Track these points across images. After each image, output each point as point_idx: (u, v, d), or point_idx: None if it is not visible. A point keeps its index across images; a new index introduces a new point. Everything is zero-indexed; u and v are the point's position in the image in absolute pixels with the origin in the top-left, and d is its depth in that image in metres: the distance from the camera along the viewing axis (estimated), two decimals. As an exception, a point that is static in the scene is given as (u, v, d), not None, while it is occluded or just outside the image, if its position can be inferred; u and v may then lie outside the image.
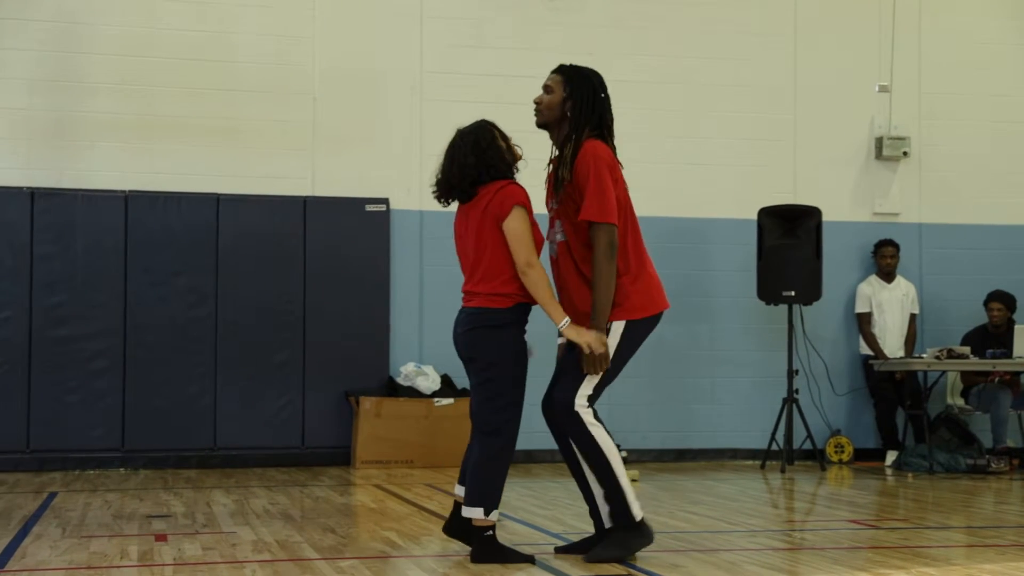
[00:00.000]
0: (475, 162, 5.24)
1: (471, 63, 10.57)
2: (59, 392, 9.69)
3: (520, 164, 5.39)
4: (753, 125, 11.02)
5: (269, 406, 10.03)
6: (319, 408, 10.10)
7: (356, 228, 10.25)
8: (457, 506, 5.34)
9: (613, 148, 5.39)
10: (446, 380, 10.14)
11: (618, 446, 10.71)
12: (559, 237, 5.36)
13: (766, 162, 11.04)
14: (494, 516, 5.21)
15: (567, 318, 5.18)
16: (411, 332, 10.39)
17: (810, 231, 10.32)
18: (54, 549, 5.63)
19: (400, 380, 10.06)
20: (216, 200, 10.06)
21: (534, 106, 5.46)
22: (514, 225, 5.14)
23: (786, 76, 11.12)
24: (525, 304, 5.23)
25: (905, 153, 11.14)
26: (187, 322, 9.92)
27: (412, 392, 9.96)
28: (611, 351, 5.22)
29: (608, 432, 5.30)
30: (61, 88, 10.01)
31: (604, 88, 5.45)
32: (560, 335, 5.31)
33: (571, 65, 5.50)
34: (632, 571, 5.06)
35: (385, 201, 10.35)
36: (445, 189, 5.34)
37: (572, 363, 5.27)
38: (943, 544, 6.04)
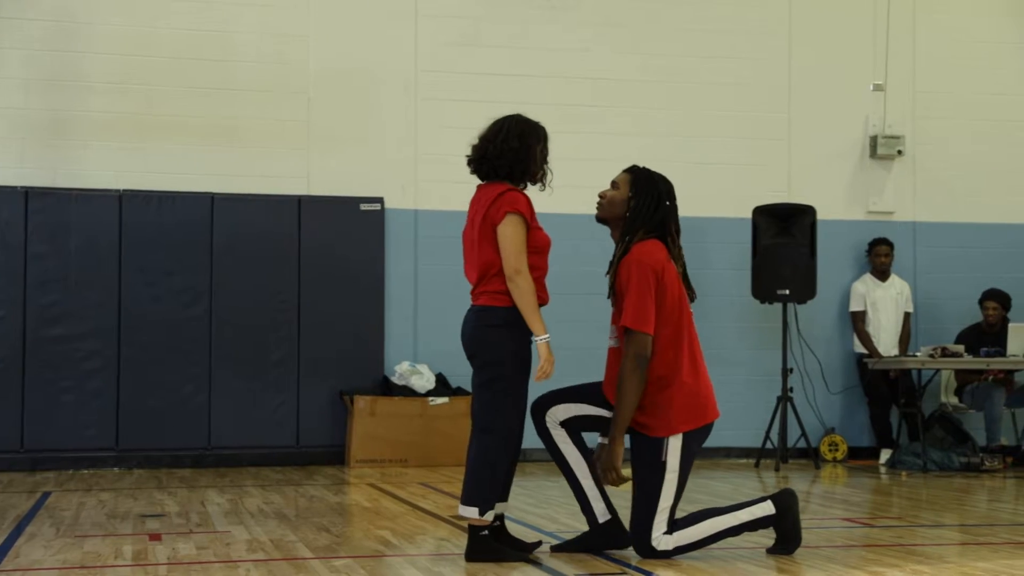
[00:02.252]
0: (517, 147, 5.22)
1: (466, 62, 10.57)
2: (53, 391, 9.68)
3: (539, 188, 5.37)
4: (748, 123, 11.02)
5: (264, 405, 10.02)
6: (313, 407, 10.09)
7: (351, 227, 10.25)
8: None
9: (676, 252, 5.34)
10: (441, 379, 10.14)
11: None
12: (612, 343, 5.35)
13: (761, 160, 11.05)
14: (489, 516, 5.20)
15: (547, 335, 5.15)
16: (406, 331, 10.38)
17: (804, 229, 10.32)
18: (48, 549, 5.62)
19: (395, 379, 10.05)
20: (211, 199, 10.05)
21: (597, 199, 5.41)
22: (506, 231, 5.13)
23: (781, 74, 11.13)
24: None
25: (899, 152, 11.16)
26: (181, 321, 9.91)
27: (407, 391, 9.95)
28: (675, 467, 5.22)
29: (688, 522, 5.26)
30: (56, 87, 9.99)
31: (672, 196, 5.39)
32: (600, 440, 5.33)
33: (643, 168, 5.44)
34: (627, 570, 5.06)
35: (380, 200, 10.34)
36: (478, 157, 5.32)
37: (636, 497, 5.25)
38: (937, 542, 6.05)
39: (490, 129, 5.34)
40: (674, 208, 5.39)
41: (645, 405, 5.21)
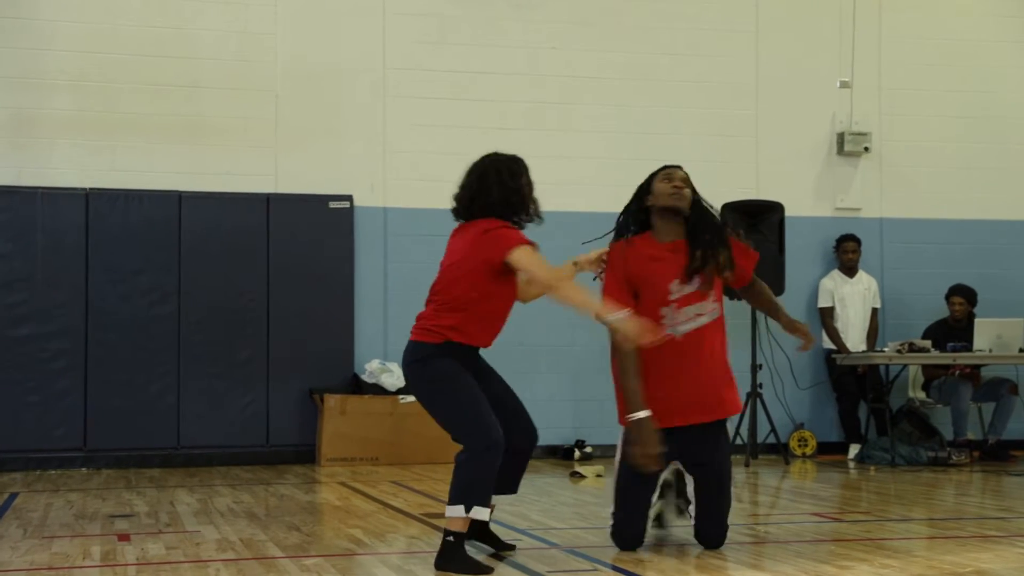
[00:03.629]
0: (516, 187, 5.19)
1: (434, 59, 10.55)
2: (20, 392, 9.60)
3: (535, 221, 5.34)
4: (715, 121, 11.06)
5: (233, 404, 9.98)
6: (283, 406, 10.06)
7: (320, 225, 10.22)
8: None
9: None
10: (411, 377, 10.11)
11: (582, 442, 10.72)
12: (705, 319, 5.34)
13: (729, 157, 11.08)
14: (481, 515, 4.97)
15: (623, 310, 5.03)
16: (375, 329, 10.36)
17: (772, 226, 10.37)
18: (15, 550, 5.57)
19: (365, 377, 10.03)
20: (178, 198, 9.99)
21: (677, 187, 5.41)
22: (524, 259, 4.98)
23: (748, 72, 11.17)
24: (456, 344, 5.12)
25: (866, 148, 11.22)
26: (149, 320, 9.85)
27: (377, 389, 9.94)
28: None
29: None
30: (21, 85, 9.92)
31: None
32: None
33: None
34: (599, 567, 5.07)
35: (349, 198, 10.31)
36: (464, 208, 5.23)
37: (722, 488, 5.31)
38: (905, 536, 6.09)
39: (472, 174, 5.23)
40: None
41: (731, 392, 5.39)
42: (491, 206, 5.16)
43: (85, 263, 9.80)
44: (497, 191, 5.16)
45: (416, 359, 5.18)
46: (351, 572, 5.06)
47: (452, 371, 5.09)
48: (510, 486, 5.32)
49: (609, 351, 5.37)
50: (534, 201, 5.27)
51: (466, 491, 4.91)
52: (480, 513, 4.94)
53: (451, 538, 4.93)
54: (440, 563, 4.94)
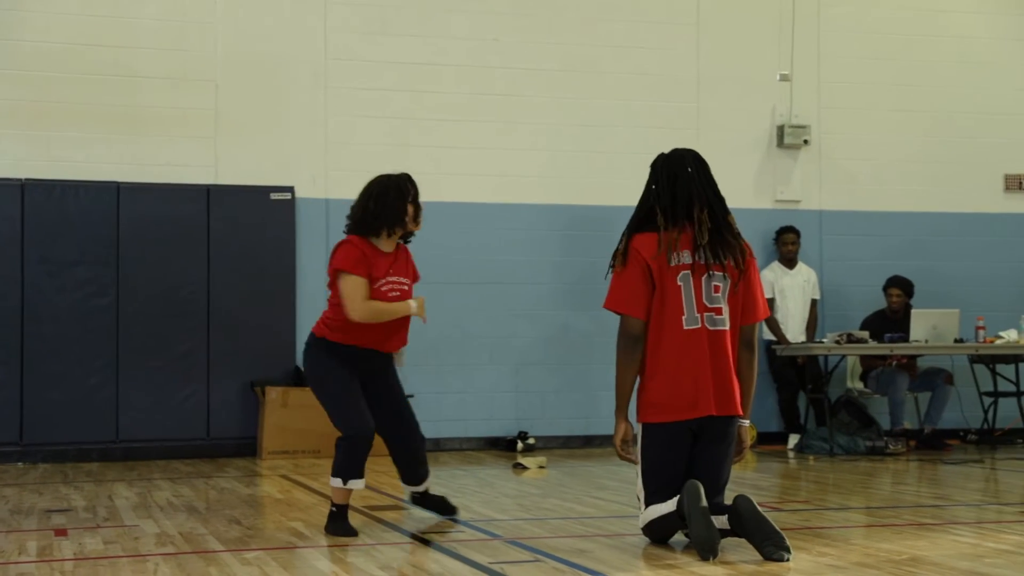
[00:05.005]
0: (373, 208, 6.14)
1: (376, 50, 10.51)
2: (-46, 385, 9.46)
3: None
4: (656, 113, 11.11)
5: (173, 397, 9.89)
6: (224, 399, 9.99)
7: (261, 217, 10.15)
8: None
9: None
10: (353, 369, 10.08)
11: (525, 433, 10.73)
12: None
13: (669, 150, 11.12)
14: (356, 486, 5.70)
15: (410, 304, 5.83)
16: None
17: (713, 218, 10.43)
18: (-51, 546, 5.49)
19: (306, 370, 9.98)
20: (116, 188, 9.88)
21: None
22: (342, 285, 5.92)
23: (689, 65, 11.23)
24: (332, 342, 5.82)
25: (806, 141, 11.33)
26: (87, 312, 9.74)
27: (318, 382, 9.88)
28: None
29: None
30: (-47, 73, 9.76)
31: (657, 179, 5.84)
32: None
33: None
34: (541, 558, 5.08)
35: (290, 190, 10.25)
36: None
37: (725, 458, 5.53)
38: (843, 524, 6.16)
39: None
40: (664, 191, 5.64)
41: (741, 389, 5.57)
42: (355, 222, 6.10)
43: (21, 255, 9.66)
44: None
45: (306, 346, 5.96)
46: (292, 565, 5.04)
47: (326, 365, 5.78)
48: (410, 478, 6.10)
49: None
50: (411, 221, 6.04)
51: (340, 468, 5.67)
52: (356, 484, 5.67)
53: (335, 508, 5.70)
54: (327, 528, 5.71)
